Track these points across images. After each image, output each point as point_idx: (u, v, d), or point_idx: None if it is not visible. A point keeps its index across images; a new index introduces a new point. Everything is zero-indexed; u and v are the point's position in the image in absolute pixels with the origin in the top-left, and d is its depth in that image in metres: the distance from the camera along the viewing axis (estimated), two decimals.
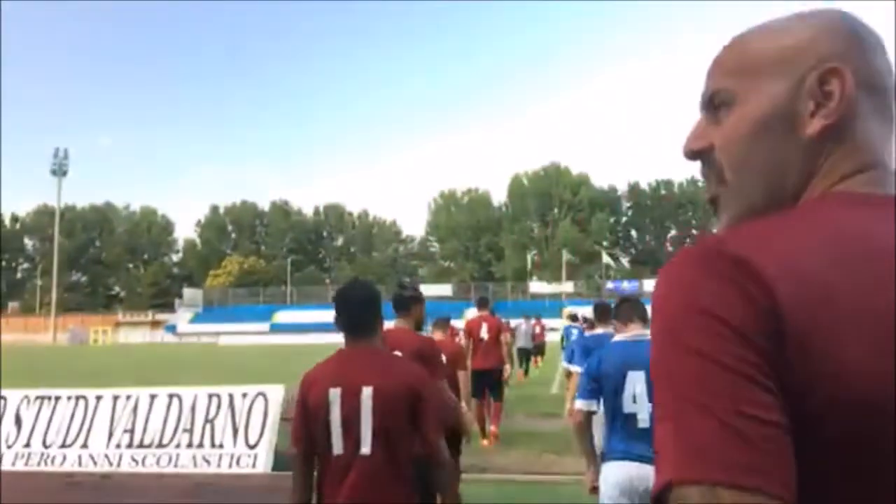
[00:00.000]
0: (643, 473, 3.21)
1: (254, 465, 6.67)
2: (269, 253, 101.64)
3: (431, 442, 2.51)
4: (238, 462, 6.66)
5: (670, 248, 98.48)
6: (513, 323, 17.63)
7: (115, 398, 7.13)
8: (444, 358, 4.40)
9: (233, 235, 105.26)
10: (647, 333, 3.35)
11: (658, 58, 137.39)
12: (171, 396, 7.04)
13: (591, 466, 3.58)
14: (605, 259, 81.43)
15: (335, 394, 2.44)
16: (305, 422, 2.50)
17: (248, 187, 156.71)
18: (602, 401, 3.46)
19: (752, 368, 0.61)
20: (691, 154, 0.85)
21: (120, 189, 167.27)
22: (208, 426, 6.86)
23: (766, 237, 0.68)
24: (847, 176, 0.75)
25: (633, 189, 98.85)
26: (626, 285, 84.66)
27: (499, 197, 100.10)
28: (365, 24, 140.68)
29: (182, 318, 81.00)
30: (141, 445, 6.82)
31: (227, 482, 6.49)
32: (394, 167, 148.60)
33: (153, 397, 7.07)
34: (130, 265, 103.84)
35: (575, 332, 16.21)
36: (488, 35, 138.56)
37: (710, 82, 0.83)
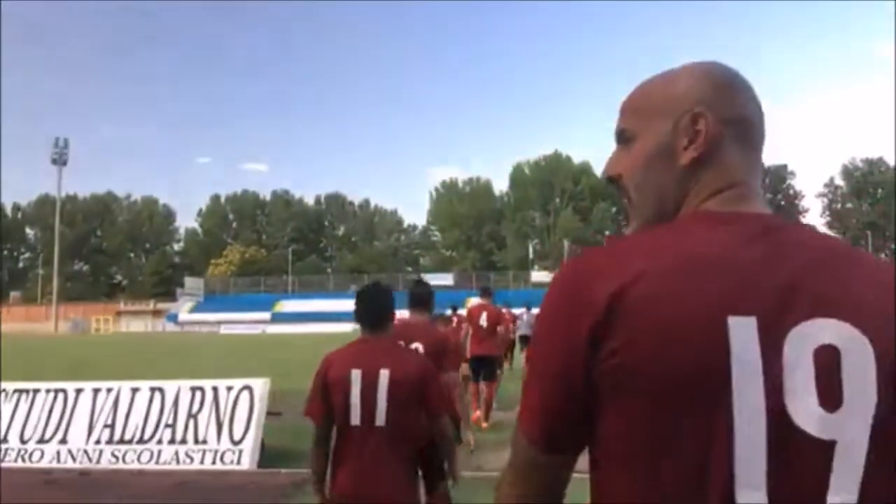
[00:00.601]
0: None
1: (238, 462, 6.42)
2: (270, 242, 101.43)
3: (437, 415, 3.02)
4: (222, 459, 6.40)
5: None
6: (516, 312, 18.46)
7: (96, 392, 6.87)
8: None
9: (234, 225, 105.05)
10: None
11: (662, 45, 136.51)
12: (153, 390, 6.78)
13: None
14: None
15: (356, 374, 2.91)
16: (324, 396, 2.96)
17: (249, 177, 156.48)
18: None
19: (556, 362, 0.89)
20: (607, 179, 1.06)
21: (121, 179, 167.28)
22: (191, 421, 6.60)
23: (616, 253, 0.91)
24: (712, 195, 0.95)
25: None
26: None
27: (500, 186, 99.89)
28: (365, 12, 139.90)
29: (183, 308, 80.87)
30: (121, 441, 6.57)
31: (211, 479, 6.24)
32: (395, 157, 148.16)
33: (135, 391, 6.81)
34: (132, 254, 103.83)
35: None
36: (490, 22, 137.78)
37: (620, 120, 1.05)
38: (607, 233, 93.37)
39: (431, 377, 3.06)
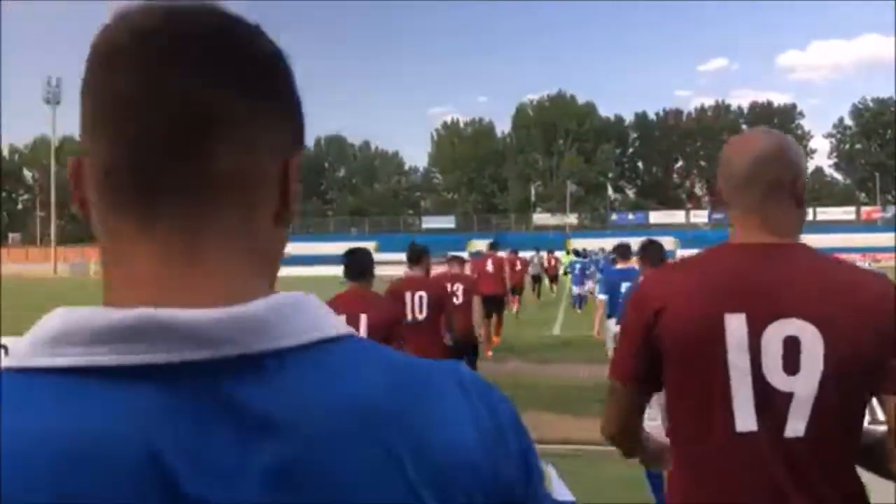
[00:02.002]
0: None
1: None
2: None
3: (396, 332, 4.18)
4: None
5: (676, 180, 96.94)
6: (526, 255, 20.42)
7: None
8: (461, 288, 7.23)
9: None
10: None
11: None
12: None
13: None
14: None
15: (341, 319, 2.81)
16: None
17: None
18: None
19: (630, 334, 1.52)
20: None
21: None
22: None
23: (665, 271, 1.68)
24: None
25: (640, 119, 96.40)
26: (632, 217, 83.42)
27: (503, 127, 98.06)
28: None
29: None
30: None
31: None
32: (396, 98, 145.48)
33: None
34: None
35: (579, 265, 19.96)
36: None
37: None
38: (610, 174, 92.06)
39: (398, 321, 4.40)
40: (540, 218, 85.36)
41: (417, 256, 5.92)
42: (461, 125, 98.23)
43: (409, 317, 5.41)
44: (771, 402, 1.33)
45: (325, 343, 0.52)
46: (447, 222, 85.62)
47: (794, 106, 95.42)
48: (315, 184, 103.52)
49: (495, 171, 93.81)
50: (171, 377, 0.47)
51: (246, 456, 0.46)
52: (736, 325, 1.34)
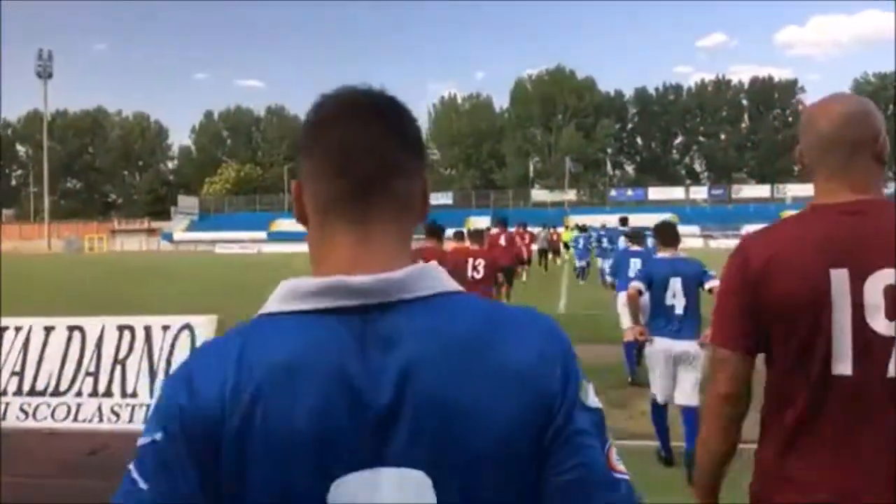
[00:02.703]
0: (677, 344, 4.92)
1: None
2: (265, 160, 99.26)
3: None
4: None
5: (675, 156, 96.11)
6: (534, 230, 23.11)
7: (1, 331, 5.57)
8: (483, 263, 7.61)
9: (228, 142, 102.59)
10: (681, 254, 5.18)
11: None
12: (70, 329, 5.45)
13: (636, 325, 5.27)
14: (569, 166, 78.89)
15: None
16: None
17: (245, 94, 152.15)
18: (651, 296, 5.04)
19: (733, 297, 1.60)
20: None
21: (113, 95, 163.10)
22: (118, 369, 5.32)
23: (766, 233, 1.64)
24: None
25: (640, 94, 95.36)
26: (630, 193, 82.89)
27: (501, 102, 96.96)
28: None
29: (178, 226, 79.73)
30: (32, 392, 5.31)
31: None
32: (393, 72, 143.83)
33: (48, 330, 5.48)
34: (125, 172, 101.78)
35: (582, 240, 21.24)
36: None
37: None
38: (609, 150, 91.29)
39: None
40: (538, 194, 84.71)
41: (430, 231, 7.32)
42: (459, 100, 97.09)
43: None
44: (873, 347, 1.44)
45: (439, 295, 0.82)
46: (445, 199, 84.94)
47: (795, 81, 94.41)
48: None
49: (493, 147, 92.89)
50: (345, 316, 0.79)
51: (385, 360, 0.78)
52: (840, 279, 1.45)
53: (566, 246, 27.64)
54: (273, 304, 0.83)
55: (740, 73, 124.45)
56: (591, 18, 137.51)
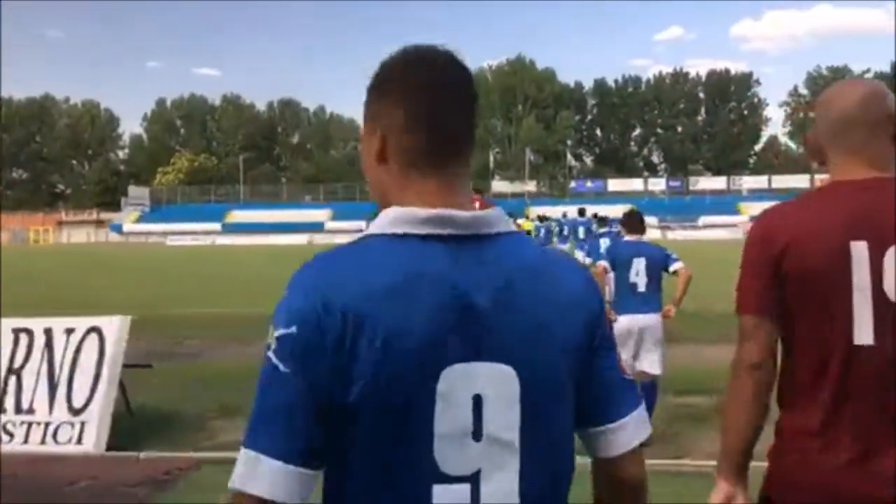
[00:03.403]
0: (640, 318, 5.22)
1: (79, 441, 4.40)
2: (220, 150, 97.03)
3: None
4: (55, 436, 4.39)
5: (634, 148, 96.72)
6: None
7: None
8: None
9: (182, 131, 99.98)
10: (645, 239, 5.62)
11: None
12: None
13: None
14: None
15: None
16: None
17: (200, 82, 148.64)
18: (615, 276, 5.42)
19: (757, 268, 1.63)
20: None
21: (62, 82, 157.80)
22: (12, 380, 4.54)
23: (788, 207, 1.69)
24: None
25: (599, 86, 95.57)
26: (590, 185, 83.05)
27: None
28: None
29: (128, 218, 77.40)
30: None
31: (36, 468, 4.24)
32: (351, 60, 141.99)
33: None
34: (74, 161, 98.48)
35: (543, 230, 22.02)
36: None
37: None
38: (569, 142, 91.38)
39: None
40: (499, 185, 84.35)
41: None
42: None
43: None
44: (892, 317, 1.51)
45: (511, 233, 1.05)
46: None
47: (750, 74, 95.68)
48: (267, 149, 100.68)
49: None
50: (452, 243, 0.98)
51: (483, 276, 0.97)
52: (860, 252, 1.52)
53: (529, 234, 28.63)
54: (385, 226, 0.99)
55: (697, 67, 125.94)
56: (550, 10, 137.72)
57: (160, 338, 8.90)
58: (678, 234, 65.03)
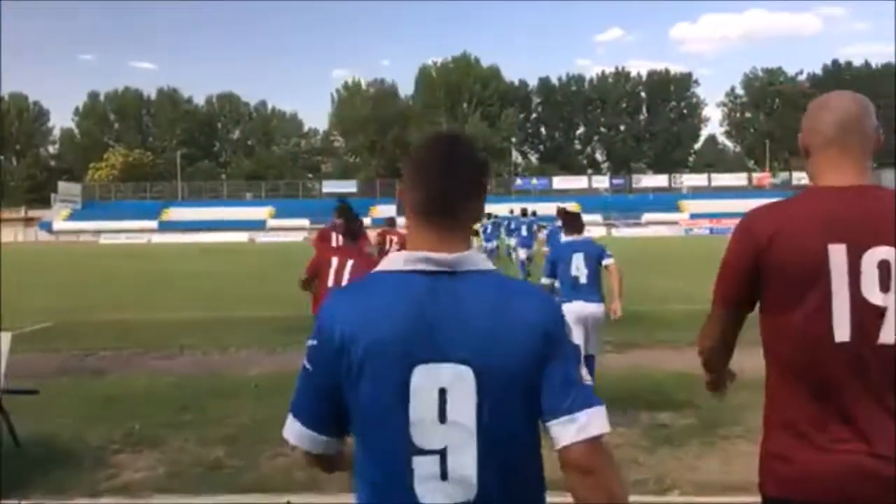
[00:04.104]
0: (587, 307, 5.86)
1: None
2: (156, 145, 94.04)
3: None
4: None
5: (578, 146, 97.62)
6: None
7: None
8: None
9: (116, 126, 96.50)
10: (583, 237, 6.24)
11: None
12: None
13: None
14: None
15: (335, 259, 5.56)
16: (316, 269, 5.78)
17: (136, 76, 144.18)
18: (559, 273, 6.04)
19: (738, 261, 1.76)
20: None
21: None
22: None
23: (771, 208, 1.76)
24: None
25: (544, 84, 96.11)
26: (535, 182, 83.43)
27: (406, 90, 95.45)
28: None
29: (59, 215, 74.29)
30: None
31: None
32: (294, 54, 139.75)
33: None
34: (1, 157, 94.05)
35: (490, 226, 23.84)
36: None
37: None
38: (514, 139, 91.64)
39: (375, 263, 5.83)
40: None
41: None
42: (363, 86, 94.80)
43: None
44: (867, 316, 1.61)
45: (478, 271, 1.32)
46: (349, 187, 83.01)
47: (689, 75, 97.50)
48: (207, 145, 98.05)
49: (399, 135, 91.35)
50: (430, 276, 1.29)
51: (450, 300, 1.27)
52: (838, 254, 1.62)
53: (475, 233, 28.74)
54: (387, 265, 1.37)
55: (637, 68, 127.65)
56: (493, 9, 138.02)
57: (70, 350, 8.01)
58: (623, 232, 65.82)
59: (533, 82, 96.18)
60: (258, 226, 70.91)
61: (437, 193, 1.35)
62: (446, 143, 1.40)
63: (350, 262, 5.45)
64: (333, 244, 6.79)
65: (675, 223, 68.54)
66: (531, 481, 1.34)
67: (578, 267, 5.90)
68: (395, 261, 1.35)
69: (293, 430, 1.39)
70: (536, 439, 1.33)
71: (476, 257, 1.33)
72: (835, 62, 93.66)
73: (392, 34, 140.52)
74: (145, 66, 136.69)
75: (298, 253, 36.44)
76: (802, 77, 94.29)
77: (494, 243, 24.94)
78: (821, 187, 1.72)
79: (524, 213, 21.03)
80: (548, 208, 30.71)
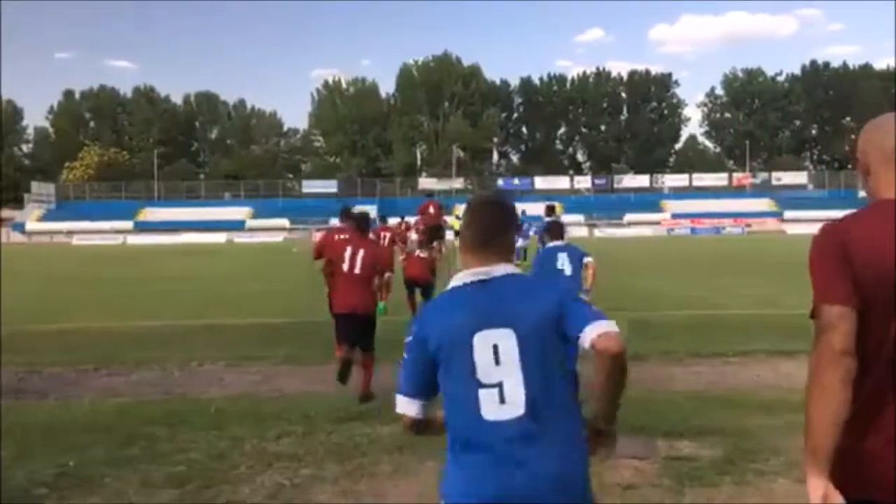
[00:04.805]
0: None
1: None
2: (133, 144, 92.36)
3: (384, 269, 6.64)
4: None
5: (559, 146, 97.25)
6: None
7: None
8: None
9: (91, 124, 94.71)
10: (563, 243, 6.96)
11: None
12: None
13: None
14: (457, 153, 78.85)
15: (349, 249, 6.34)
16: (326, 251, 7.32)
17: (114, 75, 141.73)
18: (546, 270, 6.63)
19: (835, 263, 1.74)
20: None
21: None
22: None
23: (851, 217, 1.83)
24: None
25: (525, 84, 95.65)
26: (517, 182, 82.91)
27: (387, 88, 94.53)
28: None
29: (31, 216, 72.62)
30: None
31: None
32: (274, 53, 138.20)
33: None
34: None
35: None
36: None
37: None
38: (495, 139, 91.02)
39: (381, 254, 6.99)
40: (426, 182, 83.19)
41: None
42: (343, 85, 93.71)
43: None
44: None
45: (513, 274, 2.04)
46: (329, 187, 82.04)
47: (669, 75, 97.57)
48: (185, 145, 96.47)
49: (379, 135, 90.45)
50: (478, 283, 2.02)
51: (491, 292, 1.99)
52: None
53: (457, 233, 30.03)
54: (452, 283, 2.04)
55: (617, 69, 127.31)
56: (474, 8, 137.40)
57: (14, 365, 7.21)
58: (605, 232, 65.53)
59: (514, 82, 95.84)
60: (237, 226, 69.75)
61: (482, 231, 2.06)
62: (488, 200, 2.21)
63: (361, 251, 6.33)
64: (346, 236, 7.21)
65: (657, 223, 68.32)
66: (564, 397, 1.93)
67: (563, 263, 6.62)
68: (456, 280, 2.05)
69: (402, 403, 2.03)
70: (563, 369, 1.94)
71: (507, 267, 2.02)
72: (813, 63, 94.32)
73: (372, 33, 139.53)
74: (123, 65, 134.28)
75: (278, 254, 35.53)
76: (781, 78, 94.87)
77: None
78: (888, 199, 1.80)
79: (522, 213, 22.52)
80: (530, 209, 31.23)
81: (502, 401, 1.86)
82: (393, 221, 16.08)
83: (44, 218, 72.64)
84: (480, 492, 1.86)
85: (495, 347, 1.89)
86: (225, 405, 5.59)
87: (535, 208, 31.12)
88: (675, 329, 9.13)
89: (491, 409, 1.87)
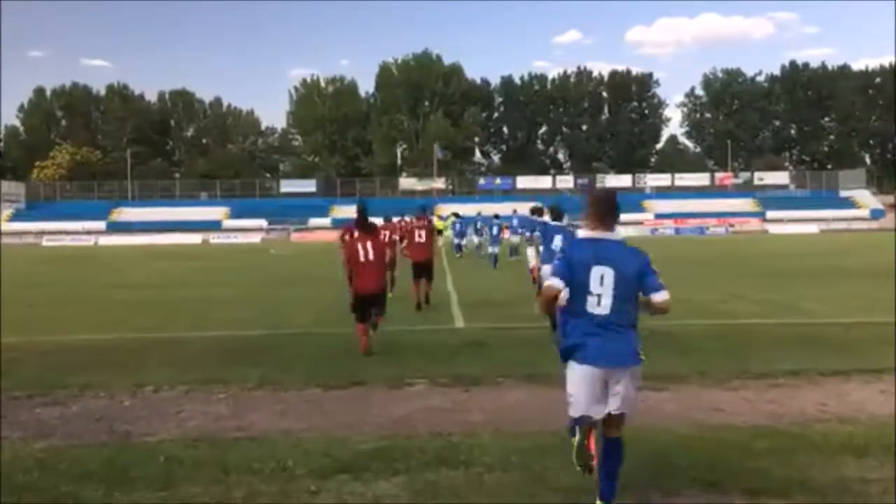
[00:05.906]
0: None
1: None
2: (106, 143, 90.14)
3: (392, 258, 10.52)
4: None
5: (540, 146, 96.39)
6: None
7: None
8: (425, 230, 13.08)
9: (63, 123, 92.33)
10: (562, 224, 8.59)
11: None
12: None
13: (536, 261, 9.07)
14: (437, 153, 77.82)
15: (360, 243, 8.19)
16: (346, 248, 8.61)
17: (89, 73, 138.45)
18: (545, 246, 8.41)
19: None
20: None
21: None
22: None
23: None
24: None
25: (506, 83, 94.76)
26: (499, 182, 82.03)
27: (366, 87, 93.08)
28: None
29: (1, 216, 70.33)
30: None
31: None
32: (251, 52, 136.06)
33: None
34: None
35: (458, 225, 31.08)
36: None
37: None
38: (476, 139, 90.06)
39: (389, 246, 10.45)
40: (406, 182, 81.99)
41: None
42: (322, 83, 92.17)
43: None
44: None
45: (616, 240, 3.67)
46: (308, 186, 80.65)
47: (650, 75, 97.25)
48: (160, 144, 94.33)
49: (359, 134, 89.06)
50: (595, 239, 3.66)
51: (601, 247, 3.62)
52: None
53: (439, 232, 29.74)
54: (580, 234, 3.70)
55: (598, 69, 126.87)
56: (454, 8, 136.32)
57: None
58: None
59: (495, 81, 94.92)
60: (213, 226, 68.06)
61: (603, 216, 3.58)
62: (603, 194, 3.69)
63: (369, 243, 8.16)
64: (356, 235, 8.57)
65: (640, 223, 67.71)
66: (628, 311, 3.52)
67: (557, 244, 7.97)
68: (582, 233, 3.64)
69: (556, 281, 3.52)
70: (632, 298, 3.52)
71: (615, 235, 3.60)
72: (792, 63, 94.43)
73: (351, 33, 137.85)
74: (98, 64, 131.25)
75: (256, 255, 33.90)
76: (761, 78, 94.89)
77: (464, 240, 30.13)
78: None
79: (496, 217, 25.08)
80: (511, 208, 32.63)
81: (598, 304, 3.47)
82: (395, 219, 17.48)
83: (13, 218, 70.45)
84: (584, 346, 3.50)
85: (602, 276, 3.47)
86: (178, 451, 4.38)
87: (515, 208, 32.60)
88: (703, 342, 8.11)
89: (592, 306, 3.48)
